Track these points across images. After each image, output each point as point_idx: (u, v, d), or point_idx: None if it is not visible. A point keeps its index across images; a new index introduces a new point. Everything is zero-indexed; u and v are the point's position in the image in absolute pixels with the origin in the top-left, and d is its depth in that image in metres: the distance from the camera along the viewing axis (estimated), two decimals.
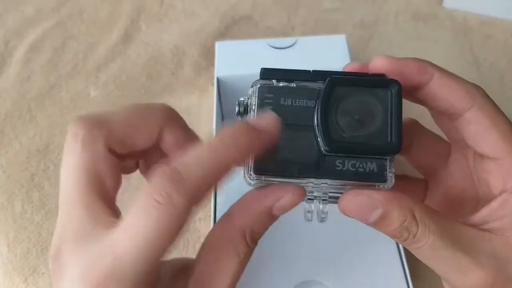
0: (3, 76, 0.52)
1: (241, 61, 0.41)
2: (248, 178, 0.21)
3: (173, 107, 0.24)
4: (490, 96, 0.23)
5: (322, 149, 0.21)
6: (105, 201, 0.21)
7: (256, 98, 0.22)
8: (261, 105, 0.21)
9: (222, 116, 0.44)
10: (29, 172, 0.43)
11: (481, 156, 0.23)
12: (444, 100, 0.23)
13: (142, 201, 0.19)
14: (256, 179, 0.21)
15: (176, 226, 0.19)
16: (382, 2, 0.58)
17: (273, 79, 0.22)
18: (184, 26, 0.56)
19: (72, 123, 0.21)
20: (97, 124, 0.21)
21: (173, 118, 0.24)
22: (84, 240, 0.20)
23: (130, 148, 0.23)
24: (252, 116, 0.21)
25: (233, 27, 0.56)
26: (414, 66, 0.22)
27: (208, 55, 0.52)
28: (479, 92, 0.22)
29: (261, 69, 0.22)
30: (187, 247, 0.38)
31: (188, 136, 0.24)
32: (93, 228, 0.20)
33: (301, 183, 0.22)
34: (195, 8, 0.58)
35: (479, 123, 0.22)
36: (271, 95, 0.22)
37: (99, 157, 0.21)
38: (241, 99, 0.22)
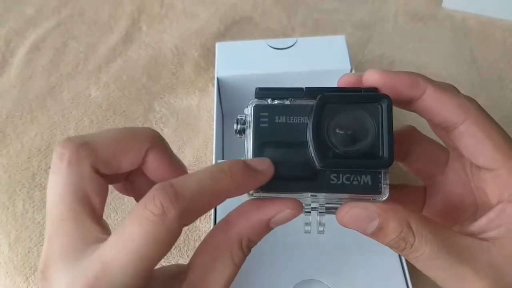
0: (4, 76, 0.52)
1: (241, 61, 0.42)
2: (247, 193, 0.22)
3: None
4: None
5: (316, 164, 0.22)
6: (93, 218, 0.21)
7: (252, 117, 0.22)
8: (257, 123, 0.22)
9: (222, 116, 0.45)
10: (30, 171, 0.44)
11: (478, 166, 0.24)
12: (438, 114, 0.23)
13: (136, 211, 0.19)
14: (254, 194, 0.22)
15: (167, 239, 0.19)
16: (381, 2, 0.58)
17: (268, 98, 0.22)
18: (184, 27, 0.56)
19: (59, 144, 0.22)
20: (83, 145, 0.22)
21: (158, 143, 0.24)
22: (73, 255, 0.20)
23: (115, 170, 0.23)
24: (249, 133, 0.22)
25: (233, 28, 0.56)
26: (406, 80, 0.22)
27: (208, 56, 0.53)
28: (473, 105, 0.23)
29: (256, 88, 0.23)
30: (187, 246, 0.38)
31: (172, 160, 0.25)
32: (82, 244, 0.20)
33: (298, 196, 0.22)
34: (195, 9, 0.59)
35: (473, 136, 0.22)
36: (266, 113, 0.22)
37: (85, 177, 0.22)
38: (239, 117, 0.23)
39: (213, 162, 0.35)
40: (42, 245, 0.39)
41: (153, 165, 0.24)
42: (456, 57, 0.52)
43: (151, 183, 0.26)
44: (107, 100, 0.49)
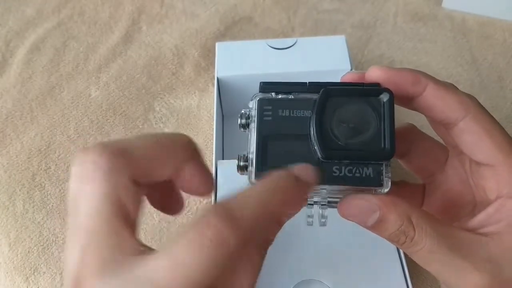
0: (4, 76, 0.52)
1: (241, 61, 0.42)
2: (251, 185, 0.22)
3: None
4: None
5: (319, 156, 0.22)
6: (130, 230, 0.20)
7: (256, 111, 0.22)
8: (261, 117, 0.22)
9: (222, 116, 0.45)
10: (30, 171, 0.44)
11: (477, 162, 0.24)
12: (438, 111, 0.23)
13: (192, 235, 0.18)
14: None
15: (225, 265, 0.18)
16: (381, 2, 0.58)
17: (272, 92, 0.23)
18: (184, 27, 0.56)
19: (91, 150, 0.20)
20: (120, 155, 0.20)
21: (195, 154, 0.23)
22: (112, 268, 0.19)
23: (150, 180, 0.22)
24: (253, 127, 0.22)
25: (233, 28, 0.56)
26: (408, 77, 0.23)
27: (209, 56, 0.53)
28: (473, 103, 0.23)
29: (260, 83, 0.23)
30: None
31: (207, 174, 0.24)
32: (122, 256, 0.19)
33: None
34: (195, 9, 0.59)
35: (473, 133, 0.23)
36: (270, 107, 0.22)
37: (123, 188, 0.20)
38: (243, 111, 0.23)
39: (213, 162, 0.35)
40: (42, 245, 0.39)
41: (188, 177, 0.23)
42: (456, 57, 0.52)
43: (177, 195, 0.25)
44: (107, 100, 0.49)
